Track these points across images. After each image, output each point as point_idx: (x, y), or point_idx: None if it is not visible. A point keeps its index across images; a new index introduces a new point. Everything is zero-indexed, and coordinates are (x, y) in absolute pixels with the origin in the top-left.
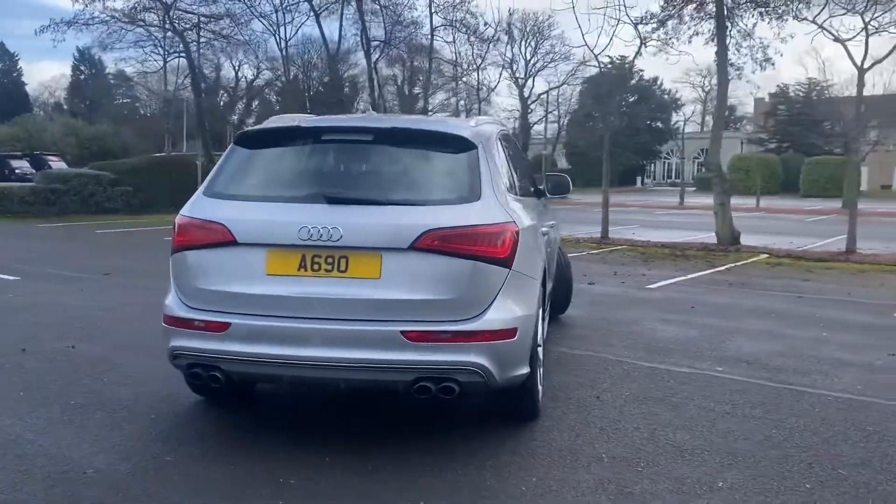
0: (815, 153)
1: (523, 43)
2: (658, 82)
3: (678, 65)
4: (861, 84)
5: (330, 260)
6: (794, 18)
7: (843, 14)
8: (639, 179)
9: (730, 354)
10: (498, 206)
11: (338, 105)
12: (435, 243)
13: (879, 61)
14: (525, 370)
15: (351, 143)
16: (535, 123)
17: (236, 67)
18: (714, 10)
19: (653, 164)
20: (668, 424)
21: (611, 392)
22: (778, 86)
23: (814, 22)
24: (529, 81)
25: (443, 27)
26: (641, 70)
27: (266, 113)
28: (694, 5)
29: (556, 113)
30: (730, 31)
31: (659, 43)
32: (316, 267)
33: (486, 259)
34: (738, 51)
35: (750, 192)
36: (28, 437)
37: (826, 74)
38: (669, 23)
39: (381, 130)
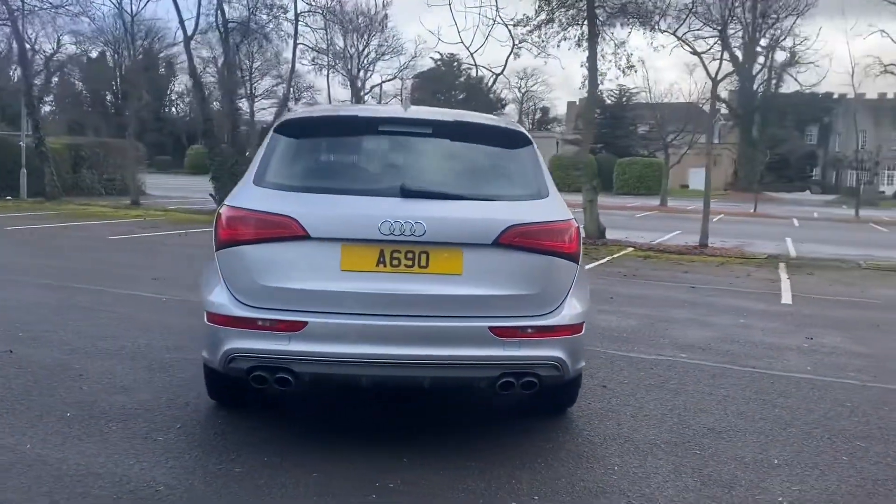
0: (625, 154)
1: (356, 35)
2: (484, 82)
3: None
4: (714, 94)
5: (410, 255)
6: (652, 30)
7: (699, 29)
8: None
9: (680, 342)
10: (562, 202)
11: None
12: (517, 239)
13: (729, 74)
14: (584, 362)
15: (410, 135)
16: None
17: (32, 39)
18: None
19: None
20: (685, 409)
21: (610, 381)
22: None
23: (674, 35)
24: (364, 73)
25: (309, 13)
26: (469, 67)
27: (65, 92)
28: (567, 10)
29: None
30: (600, 38)
31: (529, 45)
32: (396, 263)
33: (560, 254)
34: (603, 57)
35: (569, 189)
36: (53, 455)
37: (649, 83)
38: (544, 27)
39: (440, 124)
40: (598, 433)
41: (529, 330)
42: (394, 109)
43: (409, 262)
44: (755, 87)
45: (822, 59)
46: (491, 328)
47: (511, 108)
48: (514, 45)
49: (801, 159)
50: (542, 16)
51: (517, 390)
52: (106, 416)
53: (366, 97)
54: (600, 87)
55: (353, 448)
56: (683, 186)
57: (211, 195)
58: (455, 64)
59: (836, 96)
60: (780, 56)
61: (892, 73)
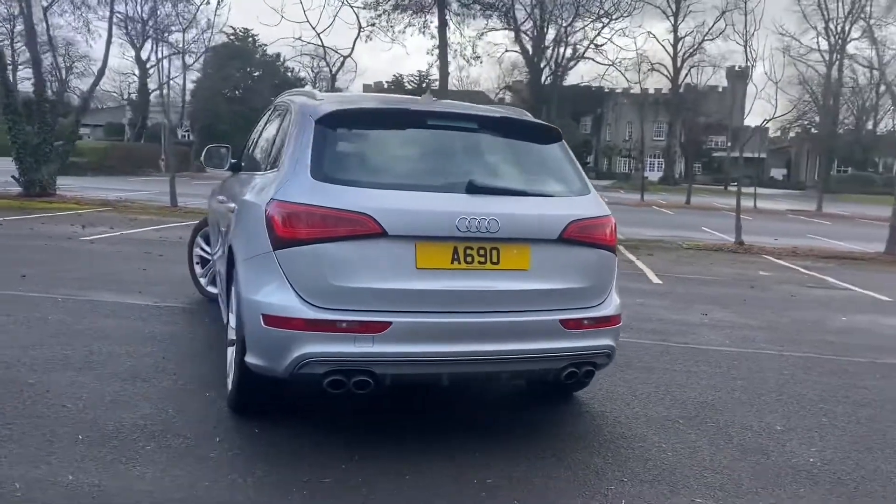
0: None
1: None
2: (281, 59)
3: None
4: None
5: (482, 252)
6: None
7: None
8: None
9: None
10: (600, 197)
11: None
12: (577, 234)
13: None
14: None
15: (457, 129)
16: (156, 90)
17: None
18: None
19: None
20: (669, 386)
21: None
22: (394, 75)
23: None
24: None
25: None
26: (265, 45)
27: None
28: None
29: (179, 81)
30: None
31: (375, 29)
32: (469, 259)
33: (608, 248)
34: (449, 46)
35: None
36: (110, 483)
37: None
38: (392, 13)
39: (485, 119)
40: (619, 413)
41: (588, 322)
42: (443, 104)
43: (482, 259)
44: (543, 79)
45: (599, 56)
46: (562, 321)
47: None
48: (360, 28)
49: (578, 147)
50: (392, 1)
51: (579, 379)
52: (125, 435)
53: (152, 70)
54: (401, 73)
55: (434, 445)
56: None
57: (14, 178)
58: (251, 39)
59: (606, 90)
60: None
61: (659, 70)
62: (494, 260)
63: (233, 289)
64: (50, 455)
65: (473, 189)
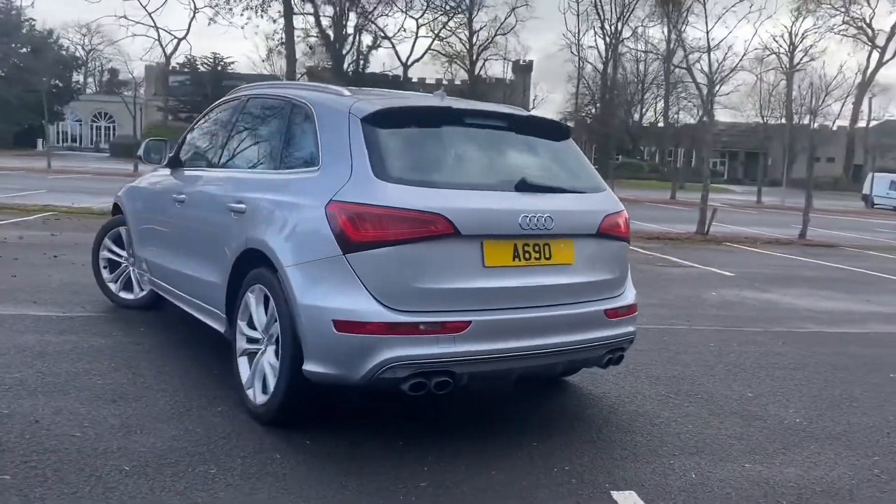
0: None
1: None
2: (55, 36)
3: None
4: (406, 76)
5: (537, 248)
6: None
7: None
8: (40, 142)
9: None
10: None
11: None
12: (608, 228)
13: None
14: None
15: (491, 128)
16: None
17: None
18: None
19: (56, 126)
20: (652, 364)
21: None
22: (186, 56)
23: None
24: None
25: None
26: (33, 20)
27: None
28: None
29: None
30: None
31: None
32: (527, 256)
33: (626, 240)
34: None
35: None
36: None
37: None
38: None
39: (514, 117)
40: (615, 394)
41: (621, 310)
42: (469, 102)
43: (537, 255)
44: (346, 66)
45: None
46: (605, 311)
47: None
48: (195, 9)
49: None
50: None
51: (612, 364)
52: (175, 461)
53: None
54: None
55: (493, 440)
56: None
57: None
58: (14, 12)
59: (402, 80)
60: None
61: (457, 62)
62: (547, 255)
63: (251, 296)
64: (108, 493)
65: (524, 187)
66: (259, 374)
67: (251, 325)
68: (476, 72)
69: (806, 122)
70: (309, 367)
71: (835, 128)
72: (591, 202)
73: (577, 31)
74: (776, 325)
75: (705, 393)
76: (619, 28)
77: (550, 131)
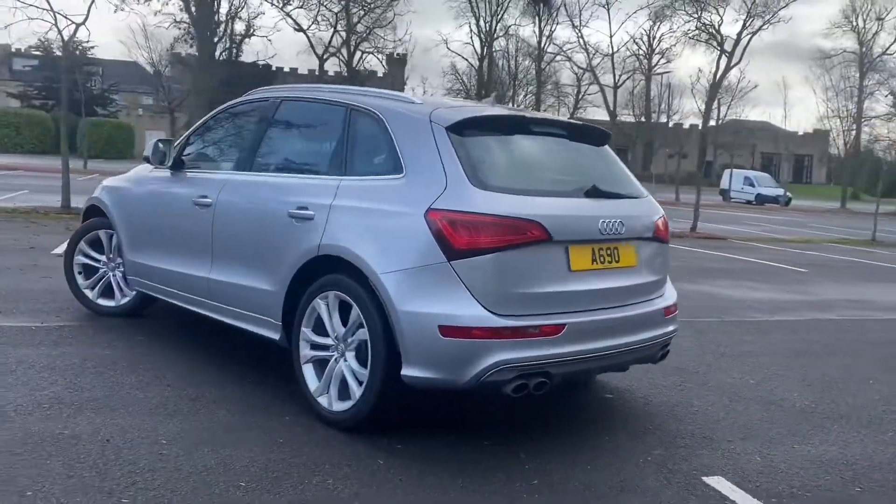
0: (91, 114)
1: None
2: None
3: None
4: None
5: (609, 252)
6: None
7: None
8: None
9: None
10: None
11: None
12: (659, 231)
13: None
14: None
15: (553, 136)
16: None
17: None
18: None
19: None
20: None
21: None
22: (39, 39)
23: None
24: None
25: None
26: None
27: None
28: None
29: None
30: None
31: None
32: (602, 259)
33: (667, 242)
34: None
35: (23, 149)
36: None
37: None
38: None
39: (570, 126)
40: (632, 385)
41: (671, 308)
42: (530, 111)
43: (609, 259)
44: (217, 54)
45: (273, 35)
46: (663, 309)
47: None
48: None
49: None
50: None
51: (661, 360)
52: (287, 474)
53: None
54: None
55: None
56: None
57: None
58: None
59: (274, 69)
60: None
61: (332, 54)
62: (616, 259)
63: (321, 303)
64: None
65: (595, 193)
66: (335, 380)
67: (320, 332)
68: (354, 64)
69: (663, 120)
70: (409, 372)
71: (687, 126)
72: (645, 207)
73: (453, 27)
74: (728, 314)
75: (712, 381)
76: (494, 26)
77: (595, 137)
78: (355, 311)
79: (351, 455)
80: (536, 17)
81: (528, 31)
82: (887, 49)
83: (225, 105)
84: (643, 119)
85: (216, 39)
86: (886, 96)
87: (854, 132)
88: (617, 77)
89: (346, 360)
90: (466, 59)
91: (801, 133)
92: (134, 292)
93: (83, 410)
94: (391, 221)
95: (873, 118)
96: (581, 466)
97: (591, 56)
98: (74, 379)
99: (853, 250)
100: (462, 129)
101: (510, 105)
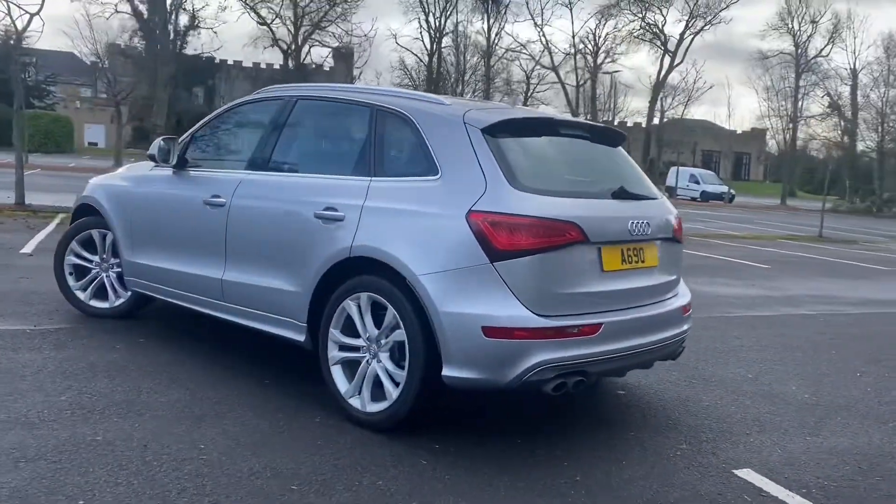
0: (28, 106)
1: None
2: None
3: None
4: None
5: (635, 252)
6: None
7: None
8: None
9: None
10: None
11: None
12: (676, 231)
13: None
14: None
15: (578, 138)
16: None
17: None
18: None
19: None
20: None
21: None
22: None
23: None
24: None
25: None
26: None
27: None
28: None
29: None
30: None
31: None
32: (630, 260)
33: (681, 242)
34: None
35: None
36: None
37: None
38: None
39: (592, 128)
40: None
41: (687, 306)
42: (551, 112)
43: (636, 259)
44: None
45: (220, 27)
46: (682, 308)
47: None
48: None
49: (195, 119)
50: None
51: (678, 357)
52: (337, 477)
53: None
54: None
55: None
56: (92, 144)
57: None
58: None
59: (217, 61)
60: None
61: (279, 47)
62: (641, 259)
63: (351, 304)
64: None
65: (622, 195)
66: (367, 381)
67: (350, 333)
68: (302, 58)
69: (608, 118)
70: (450, 372)
71: (631, 124)
72: (663, 208)
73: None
74: (712, 311)
75: (713, 376)
76: (443, 22)
77: (613, 138)
78: (391, 313)
79: (393, 456)
80: (485, 14)
81: (477, 26)
82: (821, 51)
83: (232, 104)
84: (589, 117)
85: (160, 31)
86: (823, 97)
87: (790, 131)
88: (564, 75)
89: (379, 362)
90: (416, 55)
91: (739, 132)
92: (129, 294)
93: (109, 416)
94: (429, 223)
95: (809, 118)
96: (615, 462)
97: (551, 54)
98: (88, 384)
99: (804, 246)
100: (497, 130)
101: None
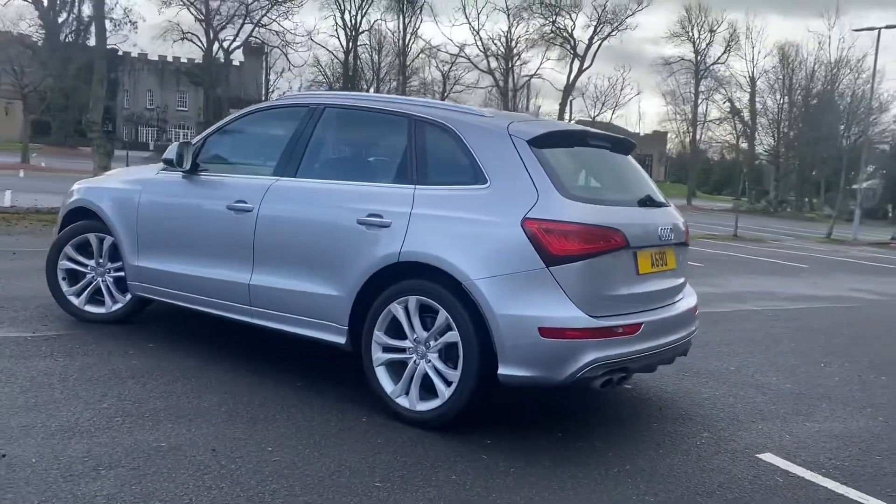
0: None
1: None
2: None
3: None
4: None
5: (661, 256)
6: None
7: None
8: None
9: None
10: None
11: None
12: (686, 236)
13: None
14: None
15: (602, 148)
16: None
17: None
18: None
19: None
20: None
21: None
22: None
23: None
24: None
25: None
26: None
27: None
28: None
29: None
30: None
31: None
32: (657, 263)
33: (688, 245)
34: None
35: None
36: None
37: None
38: None
39: (613, 139)
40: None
41: (696, 307)
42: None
43: (662, 262)
44: (63, 37)
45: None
46: (694, 308)
47: None
48: None
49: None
50: None
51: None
52: (412, 472)
53: None
54: None
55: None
56: None
57: None
58: None
59: (121, 53)
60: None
61: (190, 40)
62: (665, 262)
63: (398, 307)
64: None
65: (647, 202)
66: (416, 381)
67: (394, 335)
68: (214, 53)
69: None
70: (506, 371)
71: None
72: (676, 214)
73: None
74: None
75: (702, 370)
76: (359, 19)
77: (627, 147)
78: (443, 315)
79: (454, 452)
80: (400, 14)
81: (392, 26)
82: (718, 59)
83: (247, 110)
84: None
85: (60, 20)
86: (725, 103)
87: (690, 134)
88: (477, 78)
89: (428, 362)
90: (331, 52)
91: (642, 134)
92: (127, 299)
93: (161, 421)
94: (482, 229)
95: (708, 122)
96: (653, 451)
97: (487, 57)
98: (121, 390)
99: (724, 244)
100: (541, 142)
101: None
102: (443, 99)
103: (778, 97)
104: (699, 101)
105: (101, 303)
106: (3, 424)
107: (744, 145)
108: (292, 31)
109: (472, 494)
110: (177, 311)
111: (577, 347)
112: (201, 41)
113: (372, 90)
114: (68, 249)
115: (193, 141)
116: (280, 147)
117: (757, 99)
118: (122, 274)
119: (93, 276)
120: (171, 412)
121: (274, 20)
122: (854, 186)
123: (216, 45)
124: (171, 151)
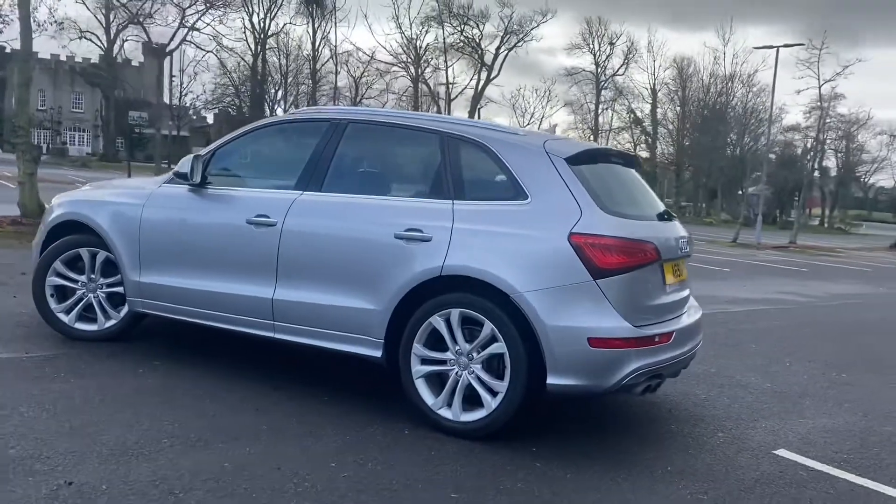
0: None
1: None
2: None
3: None
4: None
5: (678, 267)
6: None
7: None
8: None
9: None
10: None
11: None
12: (690, 248)
13: None
14: None
15: (619, 164)
16: None
17: None
18: None
19: None
20: None
21: None
22: None
23: None
24: None
25: None
26: None
27: None
28: None
29: None
30: None
31: None
32: (676, 274)
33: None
34: None
35: None
36: None
37: None
38: None
39: (625, 155)
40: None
41: (702, 316)
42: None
43: (679, 273)
44: None
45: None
46: (701, 318)
47: None
48: None
49: None
50: None
51: None
52: (482, 483)
53: None
54: None
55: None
56: None
57: None
58: None
59: (9, 51)
60: None
61: (89, 39)
62: (681, 273)
63: (439, 319)
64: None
65: (665, 216)
66: (458, 393)
67: (434, 348)
68: (114, 53)
69: None
70: (555, 381)
71: None
72: (682, 227)
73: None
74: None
75: (687, 372)
76: (268, 23)
77: (633, 162)
78: (488, 327)
79: (509, 461)
80: (310, 18)
81: (300, 30)
82: (617, 70)
83: (259, 124)
84: None
85: None
86: (627, 113)
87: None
88: (388, 82)
89: (472, 373)
90: (240, 56)
91: None
92: (122, 315)
93: (211, 441)
94: (527, 244)
95: (611, 131)
96: (685, 452)
97: (415, 65)
98: (153, 411)
99: None
100: (577, 160)
101: (283, 106)
102: (354, 104)
103: (676, 108)
104: (600, 110)
105: (92, 320)
106: (52, 451)
107: (645, 154)
108: (208, 34)
109: (543, 501)
110: (169, 326)
111: (623, 356)
112: (101, 40)
113: (280, 94)
114: (57, 265)
115: (202, 153)
116: (300, 161)
117: (658, 109)
118: (115, 290)
119: (84, 293)
120: (215, 433)
121: (208, 24)
122: (751, 191)
123: (116, 45)
124: (184, 165)
